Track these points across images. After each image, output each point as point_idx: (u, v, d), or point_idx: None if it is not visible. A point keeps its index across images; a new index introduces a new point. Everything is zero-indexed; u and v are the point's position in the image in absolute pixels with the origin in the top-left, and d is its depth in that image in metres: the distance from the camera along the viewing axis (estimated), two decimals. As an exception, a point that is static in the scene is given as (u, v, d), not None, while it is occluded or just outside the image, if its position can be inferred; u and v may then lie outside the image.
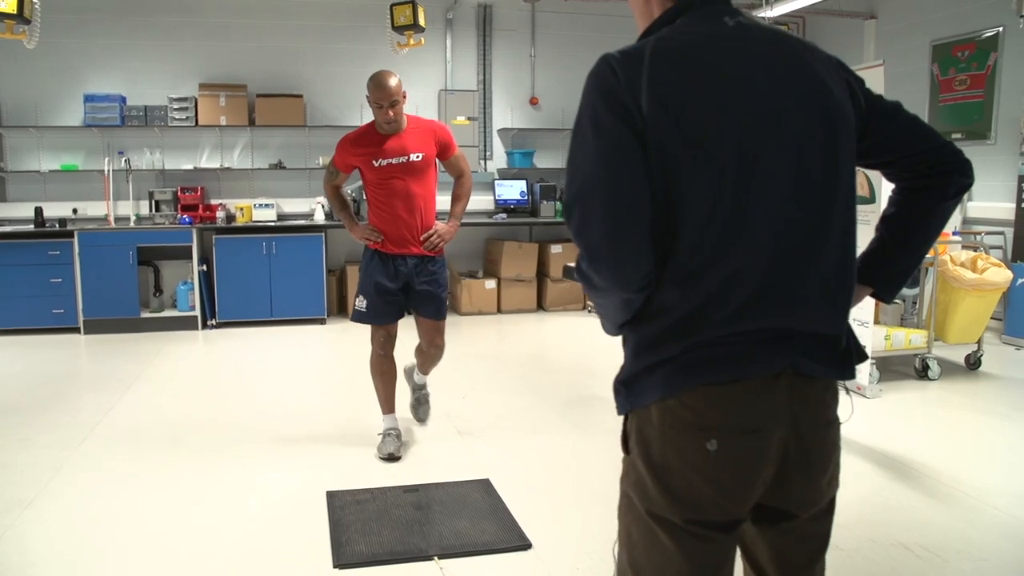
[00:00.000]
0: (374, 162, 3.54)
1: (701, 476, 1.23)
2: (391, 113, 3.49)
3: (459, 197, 3.79)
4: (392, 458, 3.64)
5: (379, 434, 3.78)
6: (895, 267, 1.47)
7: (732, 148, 1.19)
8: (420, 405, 4.17)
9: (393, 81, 3.48)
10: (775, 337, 1.22)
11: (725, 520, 1.27)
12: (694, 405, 1.22)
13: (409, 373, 4.18)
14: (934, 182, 1.40)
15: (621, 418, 1.36)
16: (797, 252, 1.23)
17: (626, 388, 1.31)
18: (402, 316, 3.77)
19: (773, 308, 1.22)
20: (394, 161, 3.55)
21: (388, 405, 3.81)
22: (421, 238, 3.63)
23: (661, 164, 1.19)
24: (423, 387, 4.18)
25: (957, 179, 1.39)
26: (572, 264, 1.59)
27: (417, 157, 3.57)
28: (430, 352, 3.92)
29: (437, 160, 3.71)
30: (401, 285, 3.67)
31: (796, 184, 1.22)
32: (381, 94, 3.47)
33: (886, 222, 1.46)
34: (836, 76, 1.31)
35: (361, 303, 3.67)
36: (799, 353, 1.23)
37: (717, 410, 1.22)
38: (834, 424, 1.32)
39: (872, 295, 1.48)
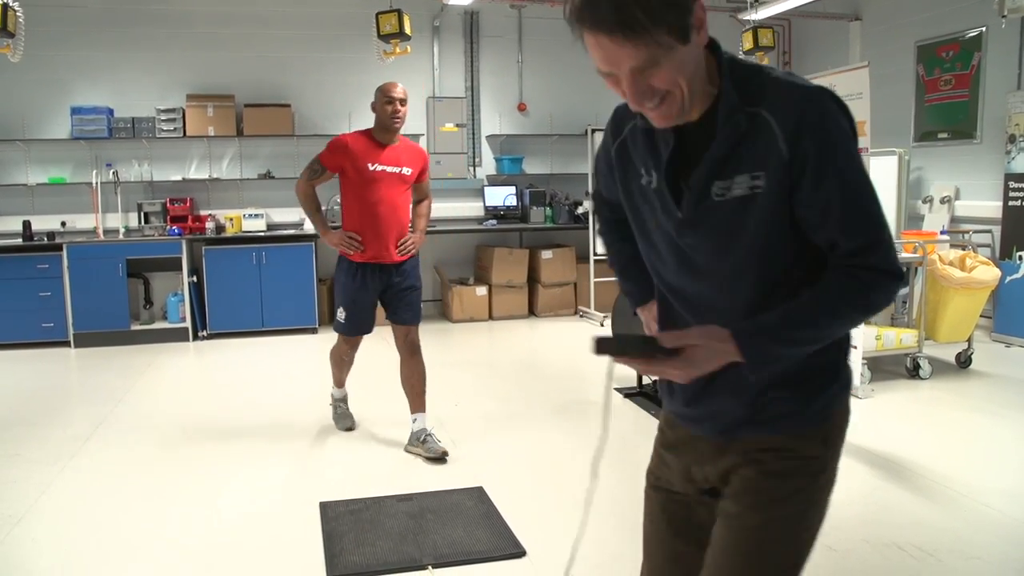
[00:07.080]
0: (369, 166, 3.75)
1: None
2: (401, 109, 3.75)
3: (423, 215, 4.12)
4: (349, 429, 4.23)
5: (331, 405, 4.39)
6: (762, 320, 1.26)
7: None
8: (426, 443, 3.84)
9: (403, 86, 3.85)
10: None
11: None
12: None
13: (415, 438, 3.90)
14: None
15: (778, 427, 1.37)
16: None
17: (843, 391, 1.38)
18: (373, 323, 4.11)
19: None
20: (389, 169, 3.80)
21: (340, 382, 4.34)
22: (399, 243, 3.89)
23: None
24: (424, 431, 3.87)
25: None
26: (605, 335, 1.19)
27: (407, 172, 3.87)
28: (410, 362, 3.95)
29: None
30: (378, 294, 3.95)
31: None
32: (395, 89, 3.76)
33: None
34: None
35: (342, 315, 3.97)
36: None
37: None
38: None
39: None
